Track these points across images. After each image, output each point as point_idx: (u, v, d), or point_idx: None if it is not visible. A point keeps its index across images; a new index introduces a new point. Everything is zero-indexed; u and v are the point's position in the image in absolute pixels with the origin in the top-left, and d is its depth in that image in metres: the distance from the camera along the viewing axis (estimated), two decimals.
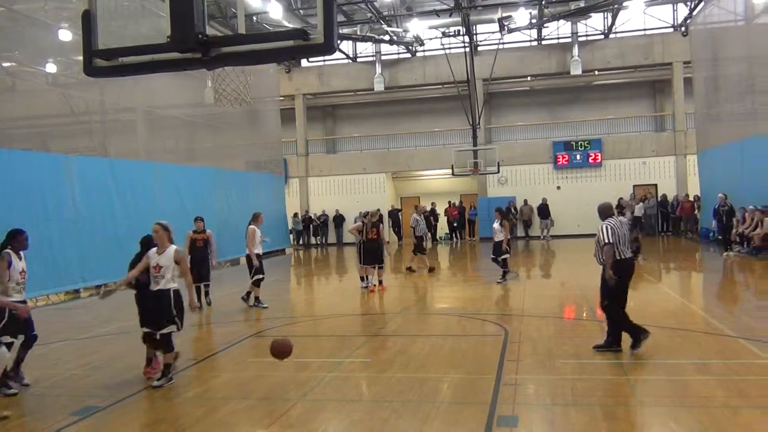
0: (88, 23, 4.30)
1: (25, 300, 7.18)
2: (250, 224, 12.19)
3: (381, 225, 14.76)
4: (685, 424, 5.24)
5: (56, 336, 10.33)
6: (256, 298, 12.06)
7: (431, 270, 16.96)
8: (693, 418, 5.37)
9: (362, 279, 14.23)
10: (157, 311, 7.08)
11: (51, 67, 19.37)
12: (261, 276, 12.09)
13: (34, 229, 14.07)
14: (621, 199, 26.41)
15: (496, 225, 14.86)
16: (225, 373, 7.62)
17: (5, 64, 18.99)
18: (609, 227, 7.52)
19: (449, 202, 30.49)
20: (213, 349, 8.80)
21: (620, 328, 7.50)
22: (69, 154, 16.42)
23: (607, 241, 7.42)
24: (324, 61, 31.49)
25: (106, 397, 6.53)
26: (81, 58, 4.54)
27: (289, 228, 29.20)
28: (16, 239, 7.17)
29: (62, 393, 6.84)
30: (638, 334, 7.37)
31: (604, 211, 7.83)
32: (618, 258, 7.54)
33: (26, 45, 18.59)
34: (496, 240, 14.60)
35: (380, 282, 14.03)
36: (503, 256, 14.34)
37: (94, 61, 4.32)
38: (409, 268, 17.40)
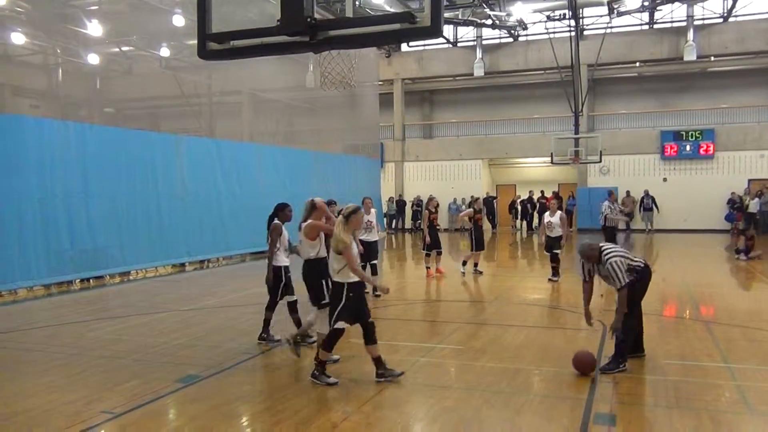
0: (203, 7, 4.46)
1: (288, 265, 7.89)
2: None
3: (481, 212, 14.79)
4: None
5: (163, 306, 10.94)
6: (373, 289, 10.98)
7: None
8: None
9: (475, 265, 14.39)
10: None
11: (164, 51, 20.37)
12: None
13: (145, 204, 15.02)
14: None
15: (553, 218, 12.92)
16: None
17: (124, 49, 20.16)
18: (621, 262, 6.51)
19: (552, 192, 29.71)
20: (309, 326, 9.00)
21: (625, 340, 6.54)
22: (178, 134, 17.26)
23: (624, 283, 6.47)
24: (424, 45, 31.35)
25: (208, 367, 6.84)
26: (192, 42, 4.75)
27: (384, 212, 29.44)
28: (283, 212, 8.00)
29: (168, 361, 7.22)
30: (624, 359, 6.50)
31: (594, 252, 6.71)
32: (638, 267, 6.72)
33: (142, 30, 19.66)
34: (554, 236, 12.81)
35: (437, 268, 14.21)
36: (555, 250, 12.81)
37: (208, 45, 4.48)
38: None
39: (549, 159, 26.20)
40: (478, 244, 14.31)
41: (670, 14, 28.13)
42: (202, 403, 5.76)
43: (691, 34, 26.98)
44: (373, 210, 11.72)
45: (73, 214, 13.22)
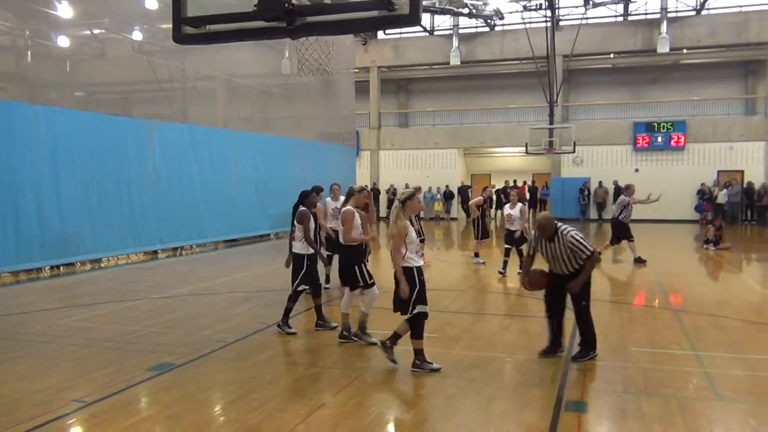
0: None
1: (312, 254, 7.89)
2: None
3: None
4: (764, 421, 5.01)
5: (135, 294, 10.82)
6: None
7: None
8: None
9: (476, 255, 14.37)
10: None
11: (137, 35, 20.00)
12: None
13: (117, 190, 14.79)
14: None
15: (513, 210, 12.57)
16: (296, 339, 7.78)
17: (95, 31, 19.74)
18: (581, 235, 6.49)
19: (522, 181, 29.94)
20: None
21: (586, 330, 6.62)
22: (151, 119, 17.00)
23: (592, 249, 6.44)
24: (400, 33, 31.26)
25: (181, 355, 6.79)
26: (166, 26, 4.68)
27: None
28: (308, 199, 8.03)
29: (140, 349, 7.16)
30: (593, 346, 6.59)
31: (552, 225, 6.53)
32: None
33: (114, 13, 19.24)
34: (513, 229, 12.48)
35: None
36: (507, 246, 12.55)
37: (183, 29, 4.41)
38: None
39: (524, 149, 26.37)
40: (483, 234, 14.28)
41: (644, 6, 28.42)
42: (175, 391, 5.72)
43: (664, 27, 27.30)
44: (341, 197, 10.84)
45: (42, 199, 12.97)
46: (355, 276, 7.25)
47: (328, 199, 11.04)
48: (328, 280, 10.79)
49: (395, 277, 6.16)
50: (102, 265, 14.49)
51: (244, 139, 19.79)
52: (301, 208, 7.93)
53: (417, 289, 6.11)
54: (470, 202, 15.51)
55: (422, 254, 13.54)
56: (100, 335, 7.83)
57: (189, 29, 4.45)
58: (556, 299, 6.69)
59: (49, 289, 11.60)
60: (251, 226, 19.96)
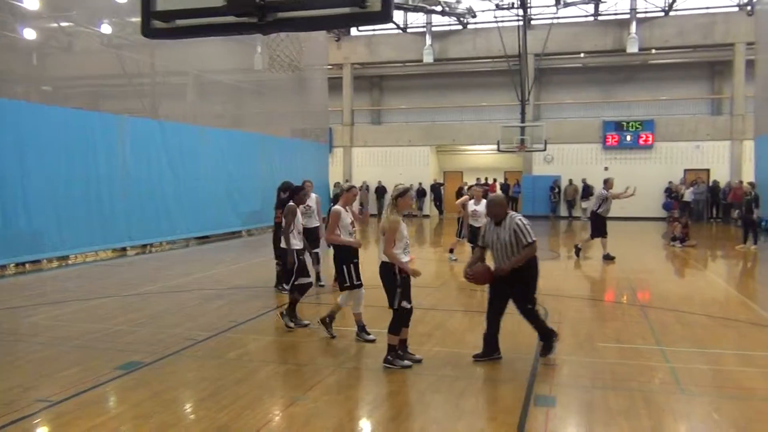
0: None
1: (301, 248, 8.00)
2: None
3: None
4: (727, 415, 5.13)
5: (103, 292, 10.67)
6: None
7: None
8: (736, 409, 5.26)
9: (451, 251, 14.43)
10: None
11: (106, 28, 19.68)
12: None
13: (85, 186, 14.56)
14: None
15: (479, 207, 12.58)
16: (267, 337, 7.76)
17: (63, 24, 19.39)
18: (528, 223, 6.36)
19: (493, 178, 30.18)
20: (254, 312, 8.94)
21: (545, 326, 6.63)
22: (120, 114, 16.76)
23: (534, 238, 6.27)
24: (373, 30, 31.22)
25: (150, 354, 6.72)
26: (135, 19, 4.62)
27: (331, 197, 29.34)
28: (298, 195, 8.13)
29: (108, 347, 7.06)
30: (553, 335, 6.59)
31: (503, 206, 6.48)
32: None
33: (82, 5, 18.92)
34: (477, 226, 12.14)
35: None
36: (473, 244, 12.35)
37: (152, 23, 4.35)
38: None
39: (496, 147, 26.56)
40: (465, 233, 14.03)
41: (615, 6, 28.80)
42: (143, 390, 5.66)
43: (633, 27, 27.71)
44: (314, 195, 10.76)
45: (7, 195, 12.71)
46: (343, 275, 7.27)
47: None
48: (318, 279, 10.85)
49: (381, 274, 6.25)
50: (69, 262, 14.25)
51: (216, 135, 19.63)
52: (290, 203, 7.95)
53: (399, 285, 6.14)
54: (457, 201, 15.40)
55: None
56: (67, 334, 7.70)
57: (158, 23, 4.39)
58: (496, 302, 6.59)
59: (15, 287, 11.37)
60: (222, 222, 19.80)
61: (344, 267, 7.25)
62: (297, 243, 7.92)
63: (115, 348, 7.03)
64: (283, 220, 7.96)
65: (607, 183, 14.87)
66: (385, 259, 6.19)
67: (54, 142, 13.74)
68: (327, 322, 7.41)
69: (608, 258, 14.25)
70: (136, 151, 16.18)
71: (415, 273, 6.23)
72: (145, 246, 16.70)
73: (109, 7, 18.79)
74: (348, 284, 7.25)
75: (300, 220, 8.04)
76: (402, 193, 6.32)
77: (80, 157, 14.47)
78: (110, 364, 6.33)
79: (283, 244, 7.95)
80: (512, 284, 6.42)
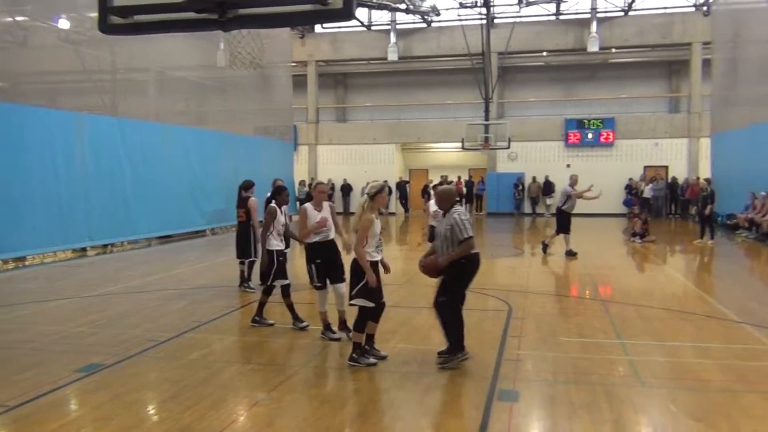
0: None
1: (282, 249, 7.89)
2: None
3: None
4: (683, 406, 5.26)
5: (62, 293, 10.44)
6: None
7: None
8: (692, 400, 5.39)
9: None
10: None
11: (64, 23, 19.22)
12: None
13: (42, 185, 14.22)
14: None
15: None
16: (231, 337, 7.69)
17: (18, 18, 18.85)
18: (468, 219, 6.21)
19: (458, 177, 30.36)
20: (218, 312, 8.85)
21: (449, 330, 6.32)
22: (79, 111, 16.40)
23: (469, 234, 6.10)
24: (338, 27, 31.15)
25: (111, 355, 6.60)
26: (93, 14, 4.50)
27: (295, 196, 29.21)
28: (281, 195, 7.94)
29: (67, 349, 6.92)
30: (459, 347, 6.27)
31: (450, 199, 6.41)
32: (473, 252, 6.25)
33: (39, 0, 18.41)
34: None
35: None
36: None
37: (109, 18, 4.27)
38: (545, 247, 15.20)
39: (460, 144, 26.74)
40: None
41: (576, 5, 29.24)
42: (104, 392, 5.56)
43: (594, 26, 28.18)
44: None
45: None
46: (309, 275, 7.25)
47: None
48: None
49: (351, 268, 6.25)
50: (26, 263, 13.91)
51: (178, 132, 19.35)
52: (272, 204, 7.84)
53: (363, 283, 6.14)
54: (430, 202, 15.25)
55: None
56: (24, 336, 7.52)
57: (116, 19, 4.31)
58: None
59: None
60: (185, 222, 19.54)
61: (309, 266, 7.23)
62: (278, 244, 7.82)
63: (74, 350, 6.88)
64: (264, 220, 7.87)
65: (572, 179, 15.11)
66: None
67: (10, 140, 13.38)
68: (323, 331, 7.29)
69: (571, 254, 14.48)
70: (96, 149, 15.86)
71: (371, 281, 6.16)
72: (105, 246, 16.39)
73: (67, 2, 18.33)
74: (311, 283, 7.26)
75: (281, 221, 7.89)
76: (380, 190, 6.33)
77: (37, 156, 14.11)
78: (69, 367, 6.20)
79: (269, 246, 7.83)
80: (444, 275, 6.36)
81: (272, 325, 7.84)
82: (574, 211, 15.14)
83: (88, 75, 18.66)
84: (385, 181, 8.87)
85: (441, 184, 19.93)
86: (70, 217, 14.90)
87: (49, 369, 6.17)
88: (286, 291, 7.81)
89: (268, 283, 7.79)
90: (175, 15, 4.21)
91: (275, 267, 7.72)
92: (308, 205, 7.26)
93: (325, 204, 7.30)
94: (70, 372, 6.06)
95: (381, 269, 6.43)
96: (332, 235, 7.25)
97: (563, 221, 14.81)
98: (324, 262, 7.17)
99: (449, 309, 6.29)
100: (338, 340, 7.10)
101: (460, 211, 6.29)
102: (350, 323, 6.68)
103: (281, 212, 7.90)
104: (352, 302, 6.23)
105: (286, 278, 7.87)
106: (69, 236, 14.97)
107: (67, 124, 15.19)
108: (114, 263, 14.50)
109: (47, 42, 19.14)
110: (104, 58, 18.83)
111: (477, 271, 6.40)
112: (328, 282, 7.24)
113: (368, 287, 6.17)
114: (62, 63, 18.48)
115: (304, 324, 7.73)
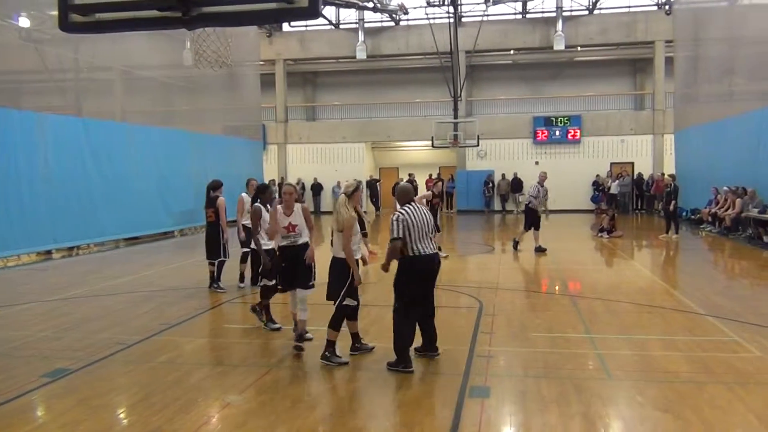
0: None
1: (273, 248, 7.57)
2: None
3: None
4: (650, 397, 5.36)
5: (26, 297, 10.21)
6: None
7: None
8: (658, 391, 5.49)
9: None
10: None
11: (24, 21, 18.78)
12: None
13: (3, 187, 13.88)
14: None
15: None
16: (200, 339, 7.61)
17: None
18: (402, 220, 6.05)
19: (430, 174, 30.47)
20: (187, 314, 8.75)
21: (397, 339, 6.12)
22: (41, 111, 16.05)
23: (396, 236, 6.03)
24: (306, 26, 31.01)
25: (78, 360, 6.48)
26: (55, 12, 4.40)
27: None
28: (264, 194, 7.84)
29: (33, 354, 6.77)
30: (401, 360, 6.06)
31: (402, 196, 6.38)
32: (413, 255, 6.08)
33: None
34: None
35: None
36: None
37: (70, 16, 4.19)
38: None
39: (430, 143, 26.84)
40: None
41: (542, 4, 29.56)
42: (71, 397, 5.46)
43: (560, 25, 28.52)
44: (243, 194, 10.35)
45: None
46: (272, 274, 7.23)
47: (244, 194, 10.35)
48: (242, 279, 10.56)
49: (335, 268, 6.29)
50: None
51: (144, 132, 19.07)
52: (257, 204, 7.73)
53: (350, 281, 6.20)
54: (417, 197, 15.11)
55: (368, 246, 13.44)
56: None
57: (77, 17, 4.23)
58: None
59: None
60: (153, 223, 19.26)
61: (272, 268, 7.22)
62: (268, 243, 7.71)
63: (40, 355, 6.74)
64: (251, 221, 7.84)
65: (540, 176, 15.27)
66: (339, 255, 6.22)
67: None
68: (298, 343, 6.91)
69: (540, 250, 14.64)
70: (59, 150, 15.54)
71: (358, 280, 6.26)
72: (71, 248, 16.07)
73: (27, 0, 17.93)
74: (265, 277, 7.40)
75: (266, 219, 7.64)
76: (357, 189, 6.45)
77: None
78: (35, 372, 6.08)
79: (253, 246, 7.86)
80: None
81: (280, 328, 7.67)
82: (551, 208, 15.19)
83: (51, 74, 18.27)
84: (358, 180, 8.80)
85: (411, 182, 19.93)
86: (33, 219, 14.57)
87: (14, 374, 6.03)
88: (266, 292, 7.71)
89: (270, 283, 7.56)
90: (137, 13, 4.14)
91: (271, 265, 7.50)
92: (279, 207, 7.13)
93: (297, 207, 7.03)
94: (35, 377, 5.93)
95: (360, 263, 6.53)
96: (302, 239, 6.98)
97: (532, 218, 14.97)
98: (289, 266, 6.94)
99: (401, 316, 6.16)
100: (311, 339, 6.96)
101: (401, 211, 6.18)
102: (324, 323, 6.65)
103: (266, 211, 7.76)
104: (345, 303, 6.23)
105: (271, 279, 7.75)
106: (33, 239, 14.64)
107: (28, 124, 14.86)
108: (80, 266, 14.23)
109: (7, 41, 18.67)
110: (67, 57, 18.45)
111: (427, 274, 6.23)
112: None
113: (353, 286, 6.24)
114: (24, 62, 18.04)
115: (277, 326, 7.68)
